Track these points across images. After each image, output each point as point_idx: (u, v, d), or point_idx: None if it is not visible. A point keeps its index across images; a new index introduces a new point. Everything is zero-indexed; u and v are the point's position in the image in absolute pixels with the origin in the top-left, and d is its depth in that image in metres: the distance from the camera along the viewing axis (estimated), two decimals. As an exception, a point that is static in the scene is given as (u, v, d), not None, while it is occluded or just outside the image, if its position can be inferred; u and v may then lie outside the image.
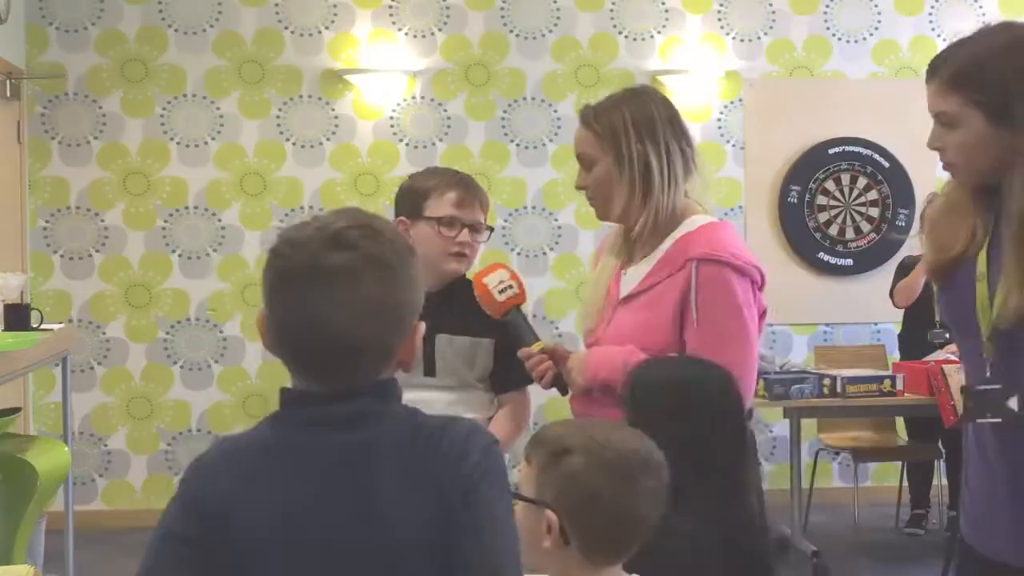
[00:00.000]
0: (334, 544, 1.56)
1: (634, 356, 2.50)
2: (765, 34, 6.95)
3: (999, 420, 2.08)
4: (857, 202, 7.03)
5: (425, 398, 2.99)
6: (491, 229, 3.16)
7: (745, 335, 2.55)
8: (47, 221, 6.54)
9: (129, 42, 6.55)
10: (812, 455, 6.47)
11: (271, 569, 1.57)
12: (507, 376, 2.99)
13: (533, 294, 5.59)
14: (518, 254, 6.73)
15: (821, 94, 6.99)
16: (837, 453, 6.63)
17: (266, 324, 1.62)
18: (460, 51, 6.73)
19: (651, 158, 2.60)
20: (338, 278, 1.56)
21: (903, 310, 6.21)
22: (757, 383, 3.64)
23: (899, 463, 6.55)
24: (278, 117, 6.64)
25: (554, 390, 2.74)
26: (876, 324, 6.95)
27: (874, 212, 7.04)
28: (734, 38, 6.92)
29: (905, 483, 6.39)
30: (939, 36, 6.97)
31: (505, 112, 6.76)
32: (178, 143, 6.59)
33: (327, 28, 6.64)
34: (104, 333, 6.58)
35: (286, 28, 6.63)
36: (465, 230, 3.01)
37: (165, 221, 6.59)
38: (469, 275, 3.00)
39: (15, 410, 4.30)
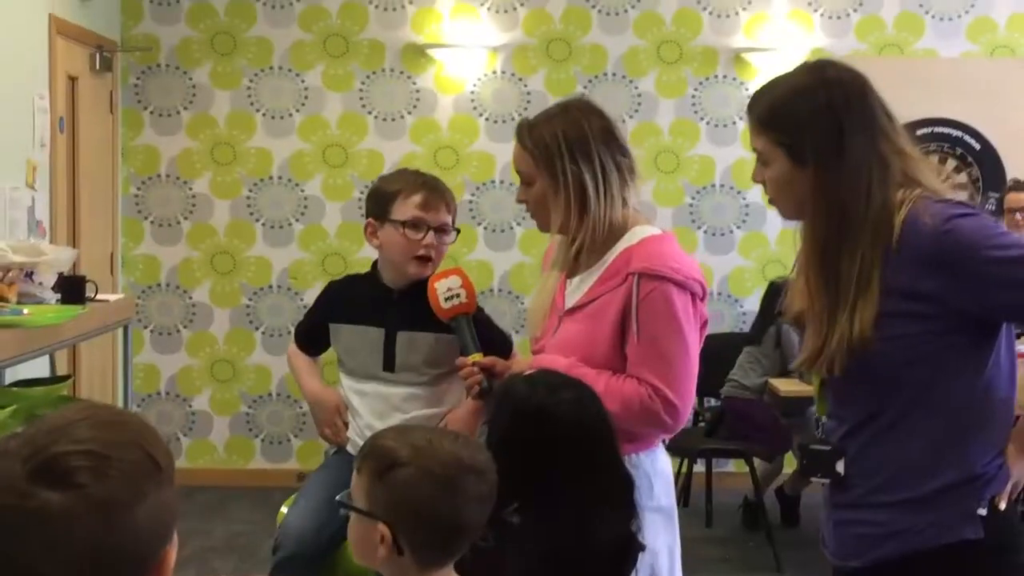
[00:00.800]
0: None
1: (576, 368, 2.53)
2: (855, 11, 6.83)
3: (828, 480, 2.21)
4: (946, 185, 6.88)
5: (383, 392, 3.10)
6: (458, 231, 3.20)
7: (684, 349, 2.57)
8: (138, 188, 6.77)
9: (219, 15, 6.71)
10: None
11: None
12: None
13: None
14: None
15: (911, 73, 6.84)
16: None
17: None
18: (541, 26, 6.75)
19: (585, 177, 2.61)
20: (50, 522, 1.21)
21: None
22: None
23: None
24: (361, 90, 6.75)
25: None
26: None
27: (963, 195, 6.87)
28: (822, 15, 6.82)
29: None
30: (1037, 15, 6.79)
31: (585, 88, 6.77)
32: (264, 114, 6.75)
33: (410, 3, 6.72)
34: (190, 298, 6.80)
35: (370, 2, 6.72)
36: (430, 232, 3.08)
37: (250, 190, 6.77)
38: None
39: (65, 377, 4.49)
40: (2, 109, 5.03)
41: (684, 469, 5.98)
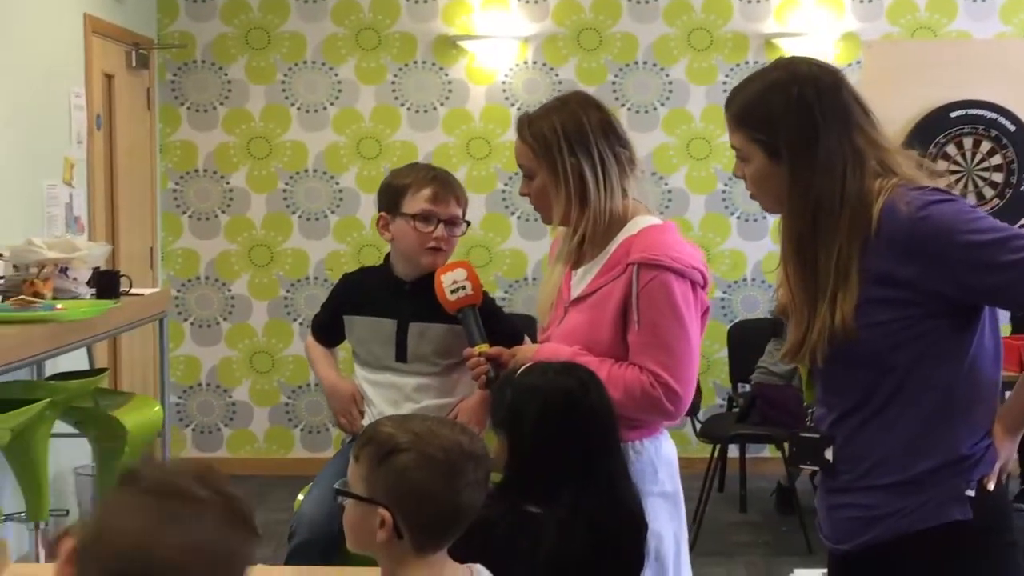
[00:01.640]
0: None
1: (579, 356, 2.58)
2: (886, -6, 6.81)
3: (816, 468, 2.25)
4: (980, 167, 6.84)
5: (395, 381, 3.17)
6: (468, 223, 3.25)
7: (684, 337, 2.61)
8: (176, 183, 6.88)
9: (253, 11, 6.80)
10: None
11: None
12: None
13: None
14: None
15: (944, 55, 6.79)
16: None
17: None
18: (572, 15, 6.78)
19: (584, 170, 2.66)
20: None
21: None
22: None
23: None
24: (393, 82, 6.81)
25: None
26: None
27: (998, 177, 6.83)
28: (853, -1, 6.80)
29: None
30: (1071, -6, 6.72)
31: (616, 76, 6.80)
32: (298, 108, 6.83)
33: (441, -5, 6.78)
34: (229, 290, 6.91)
35: (402, -5, 6.79)
36: (441, 225, 3.13)
37: (286, 184, 6.86)
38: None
39: (102, 370, 4.60)
40: (38, 107, 5.14)
41: (717, 454, 5.99)
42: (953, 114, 6.78)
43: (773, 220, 6.76)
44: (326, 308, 3.45)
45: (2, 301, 4.00)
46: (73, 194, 5.47)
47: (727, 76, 6.77)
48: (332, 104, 6.83)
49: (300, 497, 3.28)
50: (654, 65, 6.82)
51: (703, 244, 6.76)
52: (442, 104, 6.82)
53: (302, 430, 6.94)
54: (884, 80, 6.78)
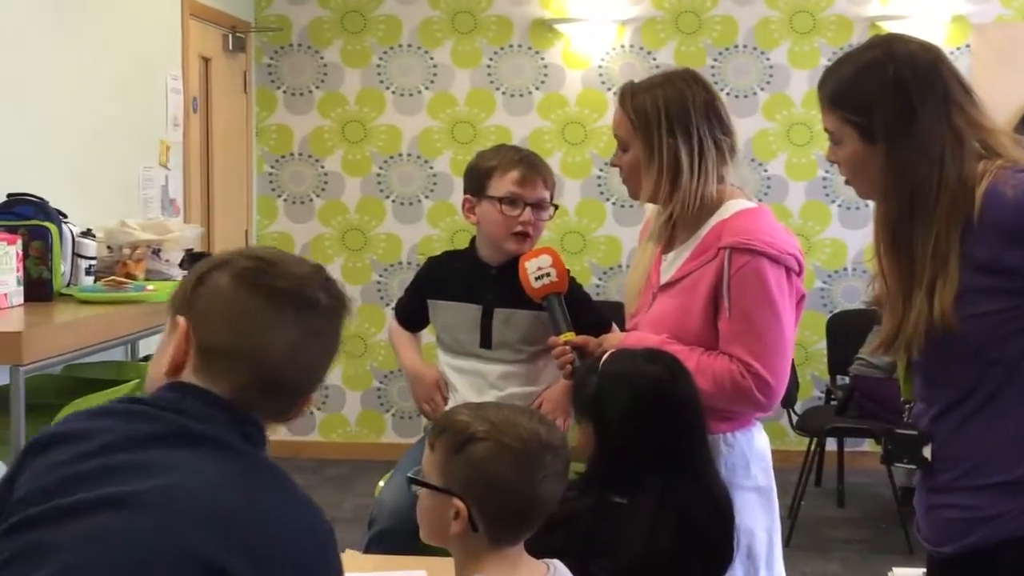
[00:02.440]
0: None
1: (667, 345, 2.49)
2: (999, -25, 6.57)
3: (914, 467, 2.15)
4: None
5: (479, 368, 3.09)
6: (556, 207, 3.16)
7: (777, 325, 2.50)
8: (272, 167, 6.90)
9: (349, -6, 6.80)
10: None
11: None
12: None
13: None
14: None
15: (1059, 39, 6.56)
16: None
17: None
18: (671, -2, 6.67)
19: (681, 152, 2.55)
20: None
21: None
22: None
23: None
24: (489, 66, 6.75)
25: None
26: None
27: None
28: (963, -20, 6.58)
29: None
30: None
31: (715, 61, 6.66)
32: (393, 92, 6.80)
33: (538, -23, 6.70)
34: (323, 274, 6.89)
35: (498, -22, 6.73)
36: (528, 209, 3.05)
37: (380, 168, 6.84)
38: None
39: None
40: (135, 90, 5.17)
41: (814, 448, 5.85)
42: (1068, 100, 6.54)
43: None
44: (410, 292, 3.40)
45: (94, 282, 4.02)
46: (169, 176, 5.50)
47: (829, 60, 6.51)
48: (427, 88, 6.79)
49: (381, 483, 3.24)
50: (754, 49, 6.67)
51: (802, 233, 6.60)
52: (537, 88, 6.75)
53: (393, 415, 6.93)
54: (995, 64, 6.55)
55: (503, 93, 6.76)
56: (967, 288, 1.98)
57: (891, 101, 2.02)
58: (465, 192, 3.17)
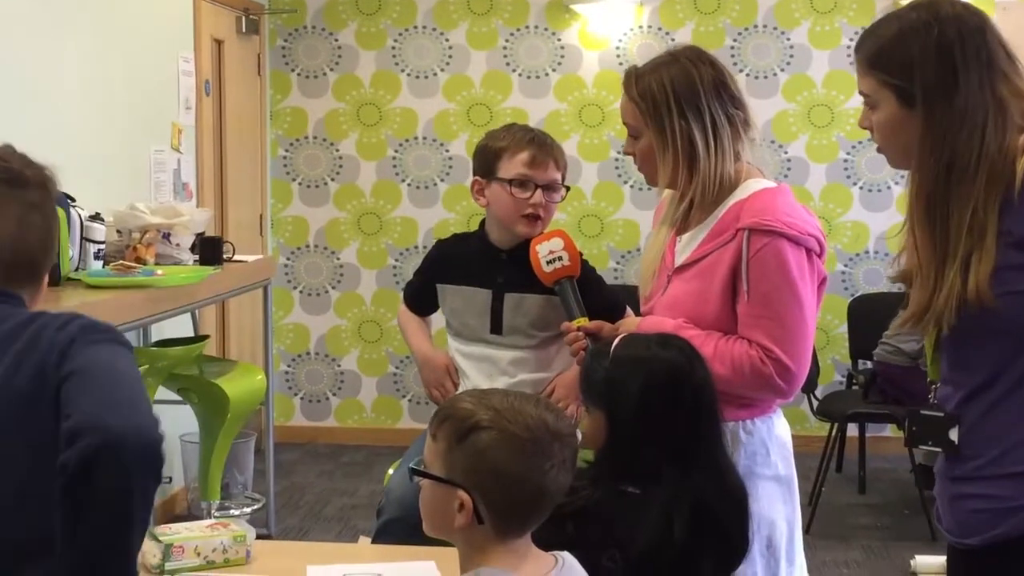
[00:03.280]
0: None
1: (683, 330, 2.41)
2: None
3: (939, 449, 2.06)
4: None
5: (490, 354, 3.01)
6: (568, 188, 3.07)
7: (798, 309, 2.42)
8: (286, 150, 6.83)
9: (363, -25, 6.72)
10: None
11: None
12: None
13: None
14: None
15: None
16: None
17: None
18: (689, -22, 6.57)
19: (694, 132, 2.46)
20: None
21: None
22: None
23: None
24: (505, 48, 6.67)
25: None
26: None
27: None
28: (988, -42, 6.46)
29: None
30: None
31: (735, 41, 6.56)
32: (408, 74, 6.73)
33: (554, -43, 6.61)
34: (338, 258, 6.85)
35: (514, -42, 6.64)
36: (539, 191, 2.97)
37: (395, 151, 6.77)
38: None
39: (203, 337, 4.55)
40: (147, 72, 5.11)
41: (835, 433, 5.77)
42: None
43: (898, 191, 6.47)
44: (419, 276, 3.33)
45: (103, 266, 3.97)
46: (181, 160, 5.45)
47: (851, 40, 6.47)
48: (442, 70, 6.71)
49: (390, 472, 3.17)
50: (774, 29, 6.57)
51: (824, 215, 6.51)
52: (554, 70, 6.66)
53: (410, 401, 6.87)
54: (1017, 44, 6.43)
55: (519, 75, 6.68)
56: (1004, 264, 1.89)
57: (934, 64, 1.93)
58: (474, 174, 3.08)
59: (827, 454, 5.68)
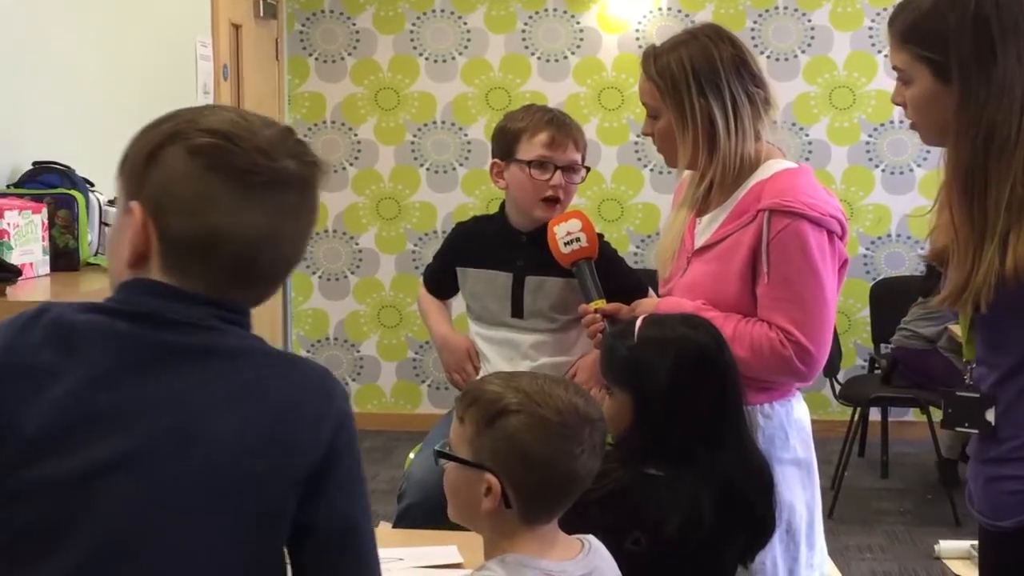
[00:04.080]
0: None
1: (703, 311, 2.39)
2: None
3: (976, 431, 2.03)
4: None
5: (511, 338, 2.99)
6: (588, 169, 3.04)
7: (820, 291, 2.39)
8: (304, 135, 6.76)
9: (381, -41, 6.69)
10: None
11: None
12: None
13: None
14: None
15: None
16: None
17: None
18: (709, -41, 6.52)
19: (715, 111, 2.43)
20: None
21: None
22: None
23: None
24: (523, 31, 6.64)
25: None
26: None
27: None
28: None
29: None
30: None
31: (755, 23, 6.51)
32: (427, 58, 6.70)
33: (573, -61, 6.57)
34: (357, 244, 6.84)
35: (532, -59, 6.60)
36: (558, 172, 2.93)
37: (414, 136, 6.75)
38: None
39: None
40: (164, 57, 5.10)
41: (857, 418, 5.73)
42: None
43: (921, 174, 6.42)
44: (439, 259, 3.30)
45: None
46: (199, 145, 5.42)
47: (873, 21, 6.43)
48: (461, 54, 6.68)
49: (411, 456, 3.15)
50: (795, 10, 6.51)
51: (845, 198, 6.46)
52: (573, 53, 6.63)
53: (429, 386, 6.86)
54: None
55: (538, 58, 6.64)
56: None
57: (970, 38, 1.90)
58: (493, 156, 3.05)
59: (849, 438, 5.64)
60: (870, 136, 6.53)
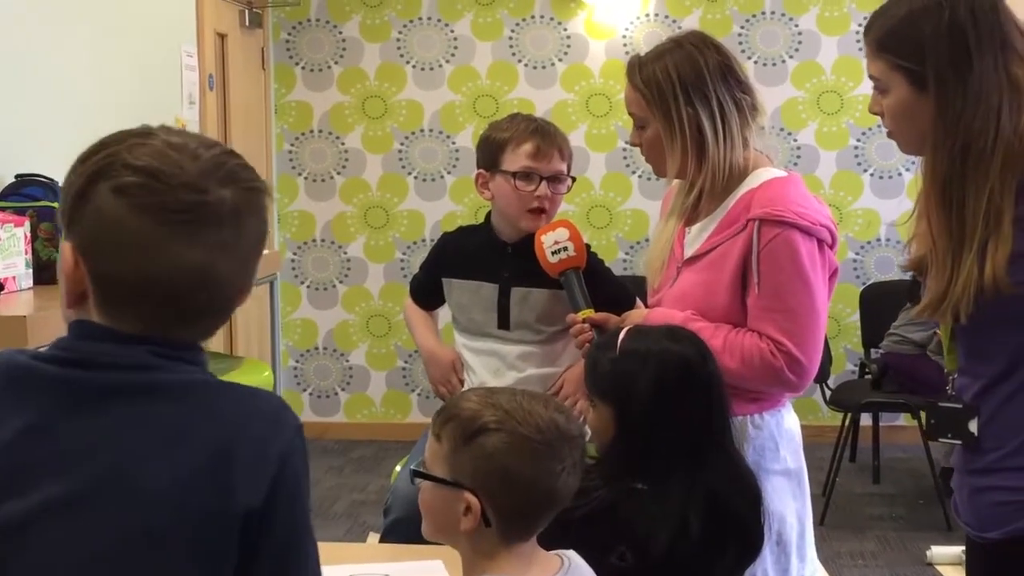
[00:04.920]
0: None
1: (692, 322, 2.36)
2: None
3: (959, 442, 2.01)
4: None
5: (497, 349, 2.96)
6: (573, 179, 3.02)
7: (810, 301, 2.37)
8: (292, 144, 6.79)
9: (367, -33, 6.67)
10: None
11: None
12: None
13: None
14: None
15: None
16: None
17: None
18: (696, -35, 6.50)
19: (702, 119, 2.41)
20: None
21: None
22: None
23: None
24: (510, 38, 6.62)
25: None
26: None
27: None
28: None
29: None
30: None
31: (743, 28, 6.50)
32: (414, 66, 6.68)
33: (559, -54, 6.55)
34: (345, 253, 6.81)
35: (518, -52, 6.58)
36: (544, 183, 2.91)
37: (401, 144, 6.72)
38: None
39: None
40: (148, 67, 5.06)
41: (848, 423, 5.71)
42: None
43: (909, 178, 6.41)
44: (425, 269, 3.27)
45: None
46: (185, 155, 5.39)
47: (860, 25, 6.41)
48: (448, 62, 6.66)
49: (397, 468, 3.13)
50: (783, 15, 6.50)
51: (834, 203, 6.45)
52: (560, 60, 6.61)
53: (419, 395, 6.83)
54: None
55: (525, 65, 6.62)
56: (1020, 251, 1.84)
57: (946, 46, 1.88)
58: (478, 166, 3.03)
59: (840, 444, 5.62)
60: (858, 140, 6.52)
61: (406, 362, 6.82)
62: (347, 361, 6.87)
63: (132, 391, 1.37)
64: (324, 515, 5.50)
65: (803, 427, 2.63)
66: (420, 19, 6.65)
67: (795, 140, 6.53)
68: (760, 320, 2.38)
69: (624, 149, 6.56)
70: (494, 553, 1.71)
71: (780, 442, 2.48)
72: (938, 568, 4.76)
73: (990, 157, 1.86)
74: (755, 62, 6.47)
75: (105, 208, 1.36)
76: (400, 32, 6.67)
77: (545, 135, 2.93)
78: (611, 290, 2.92)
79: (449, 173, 6.71)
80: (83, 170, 1.39)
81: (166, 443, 1.34)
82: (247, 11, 6.22)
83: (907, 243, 2.05)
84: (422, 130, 6.70)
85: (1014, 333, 1.90)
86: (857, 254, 6.57)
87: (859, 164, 6.54)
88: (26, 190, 3.79)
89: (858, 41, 6.42)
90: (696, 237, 2.52)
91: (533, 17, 6.59)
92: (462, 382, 3.06)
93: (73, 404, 1.36)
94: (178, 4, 5.43)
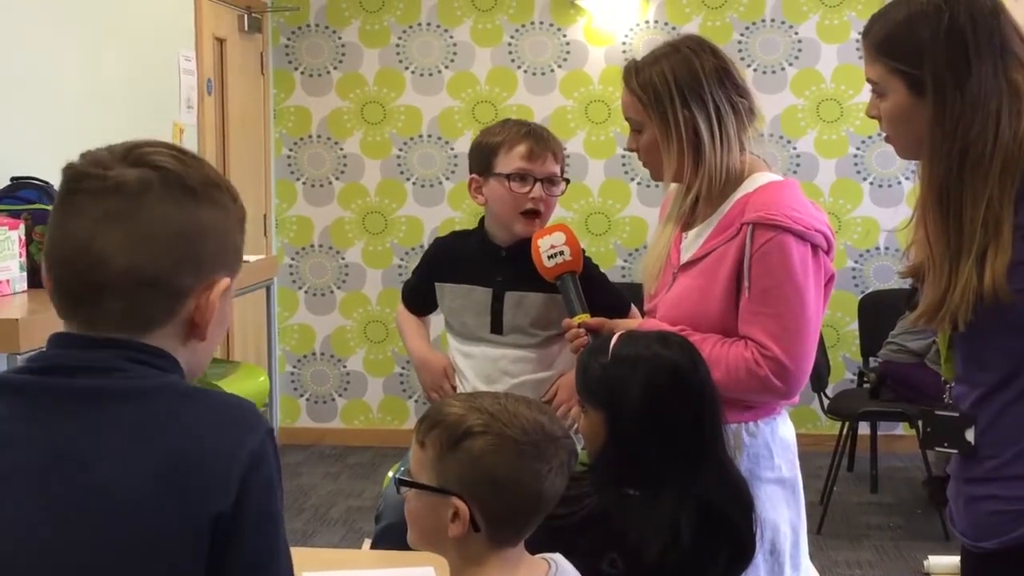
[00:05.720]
0: None
1: (685, 335, 2.35)
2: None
3: (955, 451, 2.00)
4: None
5: (490, 354, 2.94)
6: (567, 181, 3.00)
7: (800, 305, 2.34)
8: (290, 149, 6.78)
9: (366, -28, 6.66)
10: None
11: None
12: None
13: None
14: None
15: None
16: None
17: None
18: (696, -28, 6.50)
19: (699, 123, 2.40)
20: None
21: None
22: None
23: None
24: (510, 44, 6.61)
25: None
26: None
27: None
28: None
29: None
30: None
31: (742, 36, 6.49)
32: (413, 72, 6.67)
33: (559, -48, 6.54)
34: (343, 258, 6.79)
35: (518, -46, 6.57)
36: (538, 184, 2.89)
37: (400, 149, 6.71)
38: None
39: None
40: (147, 71, 5.06)
41: (846, 432, 5.69)
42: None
43: (909, 186, 6.39)
44: (417, 274, 3.26)
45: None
46: (182, 160, 5.38)
47: (860, 33, 6.40)
48: (447, 67, 6.65)
49: (389, 475, 3.11)
50: (782, 23, 6.49)
51: (833, 211, 6.44)
52: (559, 66, 6.60)
53: (416, 401, 6.82)
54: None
55: (524, 71, 6.61)
56: (1019, 259, 1.83)
57: (945, 50, 1.87)
58: (471, 171, 3.02)
59: (838, 453, 5.60)
60: (858, 149, 6.50)
61: (403, 368, 6.81)
62: (344, 367, 6.85)
63: (101, 396, 1.35)
64: (320, 521, 5.49)
65: (801, 436, 2.61)
66: (419, 25, 6.64)
67: (794, 148, 6.52)
68: (749, 323, 2.36)
69: (623, 156, 6.55)
70: (482, 559, 1.70)
71: (775, 450, 2.46)
72: (935, 577, 4.74)
73: (989, 163, 1.84)
74: (755, 70, 6.46)
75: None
76: (399, 38, 6.66)
77: (538, 137, 2.92)
78: (607, 297, 2.89)
79: (448, 179, 6.70)
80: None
81: (131, 448, 1.32)
82: (246, 16, 6.22)
83: (905, 250, 2.03)
84: (421, 136, 6.69)
85: (1012, 342, 1.89)
86: (856, 262, 6.55)
87: (858, 172, 6.52)
88: (21, 193, 3.78)
89: (858, 49, 6.39)
90: (692, 242, 2.51)
91: (532, 23, 6.58)
92: (454, 388, 3.04)
93: (38, 409, 1.35)
94: (177, 8, 5.42)
